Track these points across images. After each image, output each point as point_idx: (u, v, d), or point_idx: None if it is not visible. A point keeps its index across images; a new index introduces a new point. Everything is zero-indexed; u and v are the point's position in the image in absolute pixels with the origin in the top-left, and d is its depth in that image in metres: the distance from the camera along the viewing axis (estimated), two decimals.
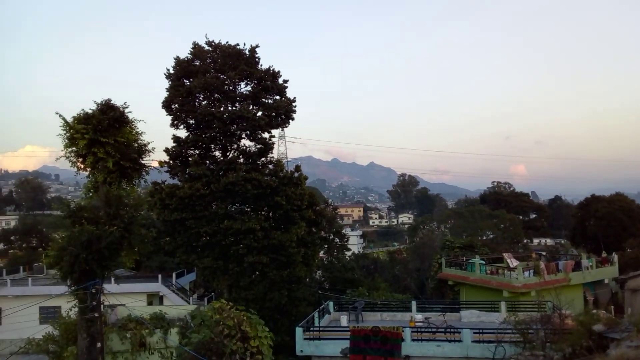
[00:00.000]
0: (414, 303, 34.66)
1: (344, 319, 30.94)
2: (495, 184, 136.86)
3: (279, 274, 37.60)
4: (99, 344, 17.66)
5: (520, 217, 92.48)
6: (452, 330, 25.49)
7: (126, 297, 26.74)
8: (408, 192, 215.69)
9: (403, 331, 23.97)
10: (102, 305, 18.27)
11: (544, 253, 49.45)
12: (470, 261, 41.78)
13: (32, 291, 39.74)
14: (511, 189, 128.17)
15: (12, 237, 76.60)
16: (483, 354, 22.99)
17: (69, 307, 20.52)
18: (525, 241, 78.76)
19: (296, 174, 40.95)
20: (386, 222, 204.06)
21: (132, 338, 20.69)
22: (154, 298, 41.27)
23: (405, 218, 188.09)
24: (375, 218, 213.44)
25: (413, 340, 24.63)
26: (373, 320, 31.83)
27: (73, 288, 17.50)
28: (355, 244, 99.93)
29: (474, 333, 24.37)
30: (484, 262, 40.84)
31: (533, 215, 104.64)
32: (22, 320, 29.54)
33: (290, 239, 37.72)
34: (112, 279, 24.77)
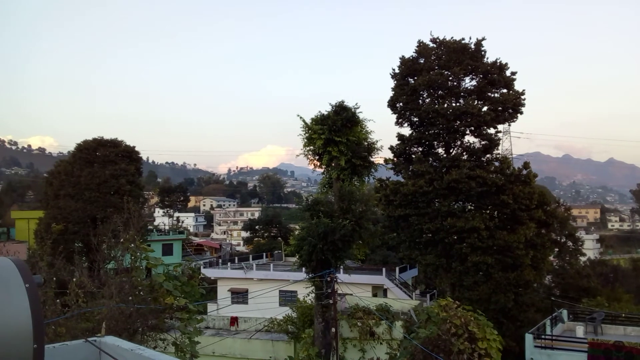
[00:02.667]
0: None
1: (579, 330, 28.43)
2: None
3: (505, 276, 36.00)
4: (333, 329, 19.08)
5: None
6: None
7: (354, 287, 28.32)
8: None
9: None
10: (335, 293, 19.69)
11: None
12: None
13: (273, 276, 44.11)
14: None
15: (256, 227, 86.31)
16: None
17: (304, 292, 22.51)
18: None
19: (524, 171, 38.73)
20: (628, 225, 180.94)
21: (361, 327, 21.84)
22: (378, 290, 42.81)
23: None
24: (615, 221, 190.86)
25: None
26: (615, 334, 28.62)
27: (311, 275, 19.18)
28: (590, 248, 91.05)
29: None
30: None
31: None
32: (265, 301, 33.01)
33: (517, 239, 35.84)
34: (342, 269, 26.40)
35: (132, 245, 12.02)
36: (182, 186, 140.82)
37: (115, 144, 48.40)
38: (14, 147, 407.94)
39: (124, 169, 46.57)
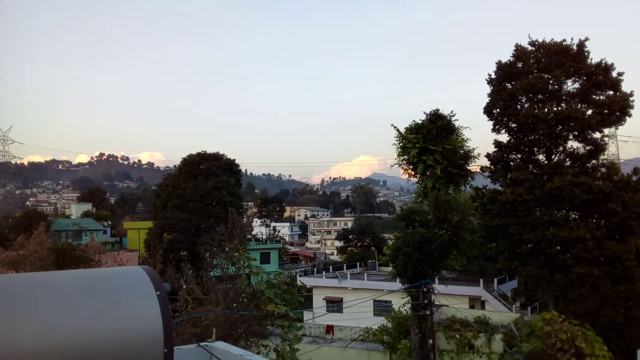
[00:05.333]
0: None
1: None
2: None
3: (614, 289, 33.83)
4: (430, 341, 18.88)
5: None
6: None
7: (450, 299, 27.79)
8: None
9: None
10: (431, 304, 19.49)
11: None
12: None
13: (367, 285, 44.18)
14: None
15: (349, 236, 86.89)
16: None
17: (399, 302, 22.43)
18: None
19: (634, 177, 36.28)
20: None
21: (458, 339, 21.41)
22: (475, 302, 41.65)
23: None
24: None
25: None
26: None
27: (406, 285, 19.12)
28: None
29: None
30: None
31: None
32: (359, 310, 33.13)
33: (627, 250, 33.61)
34: (437, 280, 26.01)
35: (236, 254, 12.67)
36: (278, 197, 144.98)
37: (217, 158, 50.94)
38: (125, 162, 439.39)
39: (225, 181, 48.86)
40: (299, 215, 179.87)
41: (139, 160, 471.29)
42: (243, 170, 67.25)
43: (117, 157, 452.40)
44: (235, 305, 12.28)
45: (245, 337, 12.47)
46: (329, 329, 33.47)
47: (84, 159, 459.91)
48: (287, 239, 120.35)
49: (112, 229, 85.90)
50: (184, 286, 13.28)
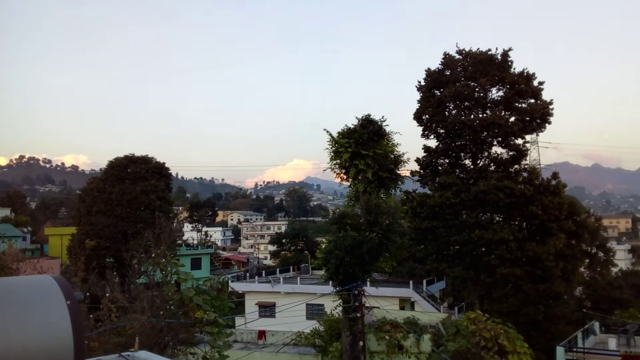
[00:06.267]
0: None
1: (612, 342, 27.75)
2: None
3: (535, 288, 35.48)
4: (361, 343, 19.06)
5: None
6: None
7: (381, 300, 28.21)
8: None
9: None
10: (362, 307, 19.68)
11: None
12: None
13: (300, 289, 44.03)
14: None
15: (283, 240, 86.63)
16: None
17: (331, 306, 22.56)
18: None
19: (553, 182, 38.24)
20: None
21: (389, 340, 21.74)
22: (405, 303, 42.43)
23: None
24: None
25: None
26: None
27: (338, 288, 19.23)
28: (622, 259, 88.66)
29: None
30: None
31: None
32: (292, 314, 33.04)
33: (547, 251, 35.33)
34: (368, 282, 26.34)
35: (163, 260, 12.27)
36: (211, 201, 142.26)
37: (145, 161, 49.34)
38: (47, 165, 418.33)
39: (154, 185, 47.39)
40: (232, 219, 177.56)
41: (62, 163, 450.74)
42: (174, 174, 65.61)
43: (38, 159, 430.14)
44: (162, 312, 11.90)
45: (173, 345, 12.11)
46: (261, 334, 33.18)
47: (2, 161, 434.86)
48: (219, 244, 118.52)
49: (32, 236, 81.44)
50: (107, 294, 12.74)
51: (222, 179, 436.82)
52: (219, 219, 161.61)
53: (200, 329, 12.03)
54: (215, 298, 12.37)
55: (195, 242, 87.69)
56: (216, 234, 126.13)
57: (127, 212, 45.23)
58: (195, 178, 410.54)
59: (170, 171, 52.11)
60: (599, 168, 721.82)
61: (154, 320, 11.43)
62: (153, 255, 13.02)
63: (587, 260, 51.69)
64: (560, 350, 24.08)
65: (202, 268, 65.04)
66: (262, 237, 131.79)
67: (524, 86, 39.42)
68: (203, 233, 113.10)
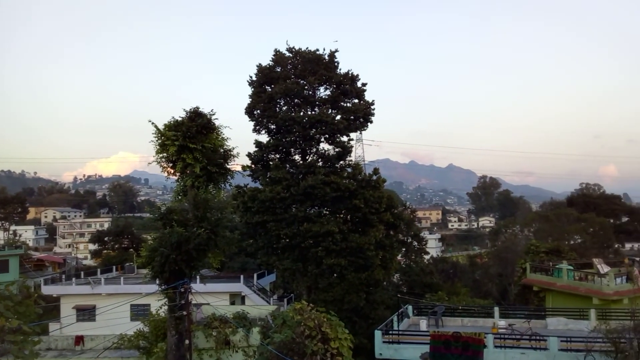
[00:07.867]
0: (496, 309, 33.53)
1: (423, 324, 30.49)
2: (584, 185, 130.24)
3: (357, 277, 37.71)
4: (187, 341, 18.51)
5: (611, 221, 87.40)
6: (538, 337, 24.53)
7: (210, 297, 27.79)
8: (489, 194, 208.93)
9: (485, 337, 23.34)
10: (189, 304, 19.13)
11: (637, 259, 46.40)
12: (557, 267, 39.92)
13: (124, 289, 41.70)
14: (601, 190, 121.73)
15: (105, 238, 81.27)
16: None
17: (158, 305, 21.64)
18: (616, 246, 74.63)
19: (374, 177, 40.94)
20: (466, 225, 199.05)
21: (216, 336, 21.45)
22: (236, 298, 42.40)
23: (486, 221, 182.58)
24: (455, 221, 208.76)
25: (496, 347, 23.97)
26: (453, 326, 31.11)
27: (163, 287, 18.46)
28: (433, 247, 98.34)
29: (561, 341, 23.38)
30: (572, 267, 38.94)
31: (625, 219, 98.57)
32: (115, 317, 31.15)
33: (368, 241, 37.77)
34: (198, 279, 25.76)
35: None
36: (20, 196, 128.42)
37: None
38: None
39: None
40: (46, 217, 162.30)
41: None
42: None
43: None
44: None
45: None
46: (79, 339, 30.79)
47: None
48: (30, 244, 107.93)
49: None
50: None
51: (35, 173, 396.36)
52: (30, 216, 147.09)
53: (2, 338, 10.70)
54: (19, 304, 11.07)
55: (2, 242, 78.70)
56: (27, 233, 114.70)
57: None
58: (2, 171, 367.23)
59: None
60: (414, 165, 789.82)
61: None
62: None
63: (404, 249, 56.41)
64: (378, 334, 25.86)
65: (9, 271, 58.35)
66: (82, 235, 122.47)
67: (349, 86, 41.65)
68: (11, 232, 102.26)
